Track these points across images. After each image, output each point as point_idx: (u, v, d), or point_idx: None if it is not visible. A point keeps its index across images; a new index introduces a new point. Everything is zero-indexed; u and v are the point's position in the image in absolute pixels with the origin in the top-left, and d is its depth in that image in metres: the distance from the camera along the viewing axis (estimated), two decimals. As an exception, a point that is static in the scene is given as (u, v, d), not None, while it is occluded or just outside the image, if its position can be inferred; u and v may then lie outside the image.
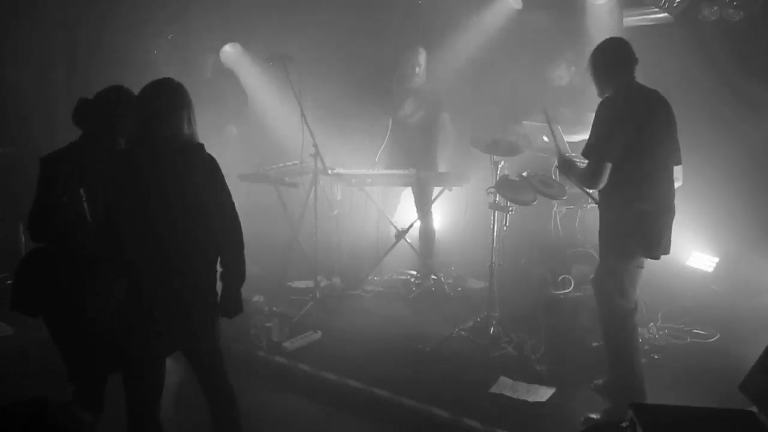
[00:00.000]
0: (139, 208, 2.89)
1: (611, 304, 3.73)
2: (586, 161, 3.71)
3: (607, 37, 3.87)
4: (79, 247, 3.06)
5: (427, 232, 6.02)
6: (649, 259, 3.75)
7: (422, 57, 5.79)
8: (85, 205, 2.99)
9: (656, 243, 3.66)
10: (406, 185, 5.97)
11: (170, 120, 2.92)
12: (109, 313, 3.08)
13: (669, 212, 3.70)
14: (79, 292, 3.09)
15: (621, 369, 3.78)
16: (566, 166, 3.90)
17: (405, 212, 6.21)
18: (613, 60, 3.69)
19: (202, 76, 6.43)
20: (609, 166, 3.54)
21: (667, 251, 3.73)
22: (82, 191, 2.98)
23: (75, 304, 3.09)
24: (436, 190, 5.90)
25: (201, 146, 2.99)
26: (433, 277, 5.93)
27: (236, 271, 3.05)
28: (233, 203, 3.04)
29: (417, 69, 5.77)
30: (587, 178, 3.67)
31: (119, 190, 2.91)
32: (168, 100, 2.94)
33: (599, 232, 3.80)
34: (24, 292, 3.16)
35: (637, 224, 3.61)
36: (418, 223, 6.01)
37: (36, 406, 1.71)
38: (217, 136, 5.71)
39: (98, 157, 3.05)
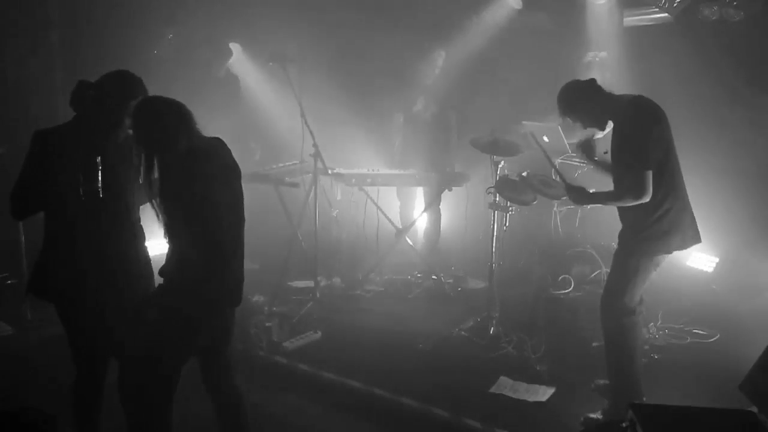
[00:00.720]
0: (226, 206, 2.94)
1: (612, 301, 3.74)
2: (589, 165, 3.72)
3: (570, 81, 3.84)
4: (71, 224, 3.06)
5: (432, 232, 6.04)
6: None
7: (442, 59, 5.92)
8: (100, 177, 2.99)
9: (690, 236, 3.70)
10: (407, 185, 5.98)
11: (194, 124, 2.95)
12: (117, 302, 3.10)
13: (689, 206, 3.73)
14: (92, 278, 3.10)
15: (617, 367, 3.79)
16: (579, 194, 3.81)
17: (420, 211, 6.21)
18: (582, 94, 3.72)
19: (212, 76, 6.43)
20: (650, 174, 3.52)
21: (698, 239, 3.76)
22: (98, 160, 2.97)
23: (88, 289, 3.09)
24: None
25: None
26: (433, 276, 5.94)
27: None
28: None
29: (437, 70, 5.92)
30: (633, 190, 3.54)
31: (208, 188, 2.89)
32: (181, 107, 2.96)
33: (625, 229, 3.76)
34: (44, 277, 3.16)
35: (673, 221, 3.61)
36: (421, 224, 6.02)
37: (14, 417, 1.70)
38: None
39: (95, 138, 3.08)
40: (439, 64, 5.91)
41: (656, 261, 3.70)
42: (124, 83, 3.15)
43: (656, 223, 3.60)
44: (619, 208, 3.78)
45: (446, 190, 5.81)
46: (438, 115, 5.91)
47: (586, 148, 3.97)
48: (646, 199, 3.53)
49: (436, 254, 6.08)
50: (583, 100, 3.71)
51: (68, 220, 3.09)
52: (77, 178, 3.02)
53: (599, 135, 4.85)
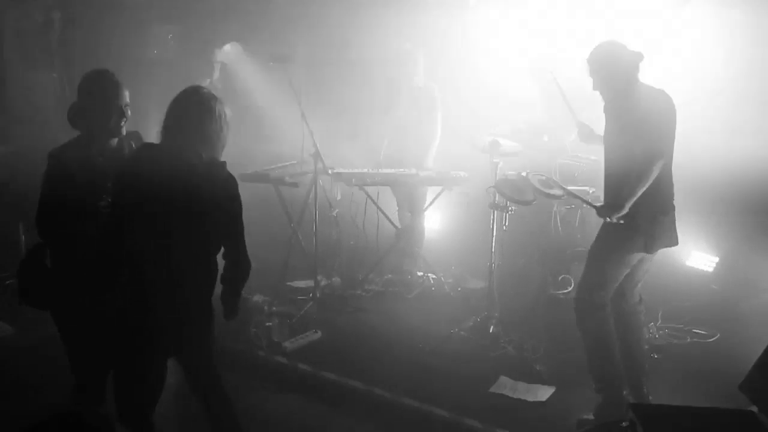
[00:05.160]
0: (152, 214, 2.88)
1: (585, 296, 3.76)
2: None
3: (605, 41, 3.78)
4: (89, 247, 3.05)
5: (415, 230, 6.06)
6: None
7: (420, 59, 5.84)
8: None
9: (668, 237, 3.71)
10: (408, 185, 5.97)
11: (204, 134, 2.91)
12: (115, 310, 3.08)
13: (673, 207, 3.74)
14: (85, 288, 3.07)
15: (597, 363, 3.81)
16: (609, 208, 3.67)
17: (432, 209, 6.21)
18: (623, 59, 3.63)
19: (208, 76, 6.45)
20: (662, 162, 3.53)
21: (676, 242, 3.76)
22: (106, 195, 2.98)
23: (81, 299, 3.08)
24: (435, 190, 5.90)
25: (223, 164, 2.97)
26: (432, 276, 5.94)
27: (237, 282, 3.06)
28: (242, 223, 3.03)
29: (414, 74, 5.85)
30: (645, 179, 3.53)
31: (137, 195, 2.88)
32: (202, 114, 2.91)
33: (603, 227, 3.77)
34: (29, 287, 3.16)
35: (647, 221, 3.61)
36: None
37: (72, 419, 1.72)
38: None
39: (100, 155, 3.07)
40: (417, 68, 5.83)
41: (629, 259, 3.71)
42: (105, 82, 3.14)
43: (633, 221, 3.59)
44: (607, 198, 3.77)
45: (446, 190, 5.81)
46: (419, 117, 5.92)
47: (584, 133, 4.02)
48: (662, 161, 3.51)
49: (420, 253, 6.05)
50: (623, 65, 3.62)
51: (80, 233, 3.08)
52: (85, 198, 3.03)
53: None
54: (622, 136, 3.59)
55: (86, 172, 3.05)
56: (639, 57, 3.64)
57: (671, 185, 3.73)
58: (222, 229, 2.96)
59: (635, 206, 3.58)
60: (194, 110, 2.91)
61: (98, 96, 3.11)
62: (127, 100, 3.15)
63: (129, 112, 3.16)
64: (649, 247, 3.68)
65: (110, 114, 3.09)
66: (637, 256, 3.72)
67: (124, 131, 3.18)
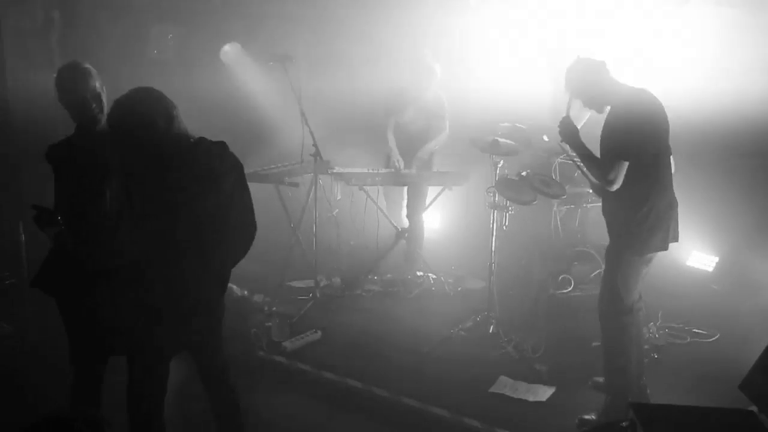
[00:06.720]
0: (166, 205, 2.88)
1: (610, 302, 3.75)
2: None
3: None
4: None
5: (415, 230, 6.06)
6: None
7: (437, 71, 5.74)
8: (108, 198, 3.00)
9: (672, 234, 3.72)
10: (407, 185, 5.98)
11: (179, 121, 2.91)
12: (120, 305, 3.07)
13: (676, 203, 3.75)
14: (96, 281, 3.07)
15: (615, 367, 3.80)
16: (569, 131, 3.73)
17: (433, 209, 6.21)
18: (591, 72, 3.71)
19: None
20: (626, 165, 3.52)
21: (676, 238, 3.77)
22: (106, 189, 2.98)
23: (92, 289, 3.08)
24: (435, 190, 5.90)
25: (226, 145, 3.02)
26: (432, 276, 5.94)
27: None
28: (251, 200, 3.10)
29: (427, 87, 5.77)
30: (605, 175, 3.57)
31: (146, 185, 2.89)
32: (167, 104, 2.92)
33: (612, 229, 3.78)
34: (49, 273, 3.17)
35: (658, 219, 3.63)
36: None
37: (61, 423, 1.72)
38: None
39: (101, 146, 3.08)
40: (433, 81, 5.75)
41: (646, 258, 3.72)
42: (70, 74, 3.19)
43: (642, 222, 3.61)
44: (606, 207, 3.80)
45: (446, 190, 5.81)
46: (426, 126, 5.90)
47: (566, 128, 3.83)
48: (614, 187, 3.56)
49: (420, 254, 6.05)
50: (590, 78, 3.71)
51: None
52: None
53: (584, 119, 4.89)
54: (607, 141, 3.65)
55: (80, 163, 3.07)
56: (603, 64, 3.72)
57: (671, 181, 3.75)
58: (236, 194, 3.03)
59: (650, 203, 3.61)
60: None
61: (68, 88, 3.18)
62: (97, 88, 3.18)
63: (104, 99, 3.18)
64: (665, 244, 3.70)
65: (81, 102, 3.13)
66: (656, 253, 3.73)
67: (103, 120, 3.16)
